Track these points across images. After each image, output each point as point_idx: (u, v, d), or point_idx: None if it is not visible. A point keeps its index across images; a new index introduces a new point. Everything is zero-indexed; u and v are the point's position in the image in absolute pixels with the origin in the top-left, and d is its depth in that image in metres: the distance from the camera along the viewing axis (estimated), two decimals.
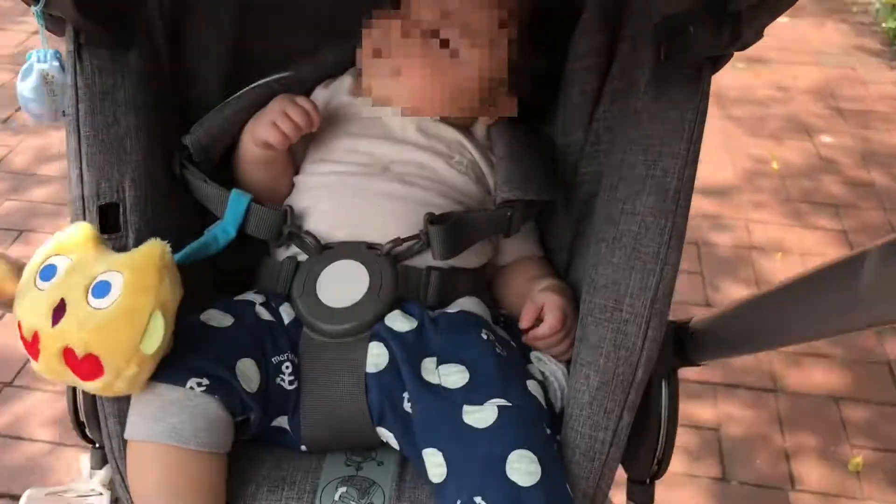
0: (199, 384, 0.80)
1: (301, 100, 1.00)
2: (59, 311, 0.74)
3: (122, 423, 0.85)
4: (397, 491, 0.85)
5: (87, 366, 0.74)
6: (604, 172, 0.96)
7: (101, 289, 0.74)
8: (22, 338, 0.78)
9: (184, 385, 0.80)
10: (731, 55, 0.85)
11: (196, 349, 0.83)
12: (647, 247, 0.85)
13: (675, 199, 0.84)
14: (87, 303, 0.74)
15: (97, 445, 0.98)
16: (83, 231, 0.80)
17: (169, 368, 0.80)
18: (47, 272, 0.77)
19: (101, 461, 0.99)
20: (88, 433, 0.95)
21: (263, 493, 0.85)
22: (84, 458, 1.01)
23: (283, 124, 0.98)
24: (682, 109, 0.85)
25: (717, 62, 0.85)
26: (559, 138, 1.10)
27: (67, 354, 0.74)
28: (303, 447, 0.89)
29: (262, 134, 1.00)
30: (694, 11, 0.81)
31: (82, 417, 0.94)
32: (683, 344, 0.94)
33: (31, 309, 0.76)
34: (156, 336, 0.75)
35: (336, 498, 0.84)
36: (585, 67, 1.04)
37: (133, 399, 0.82)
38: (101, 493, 0.98)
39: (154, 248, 0.78)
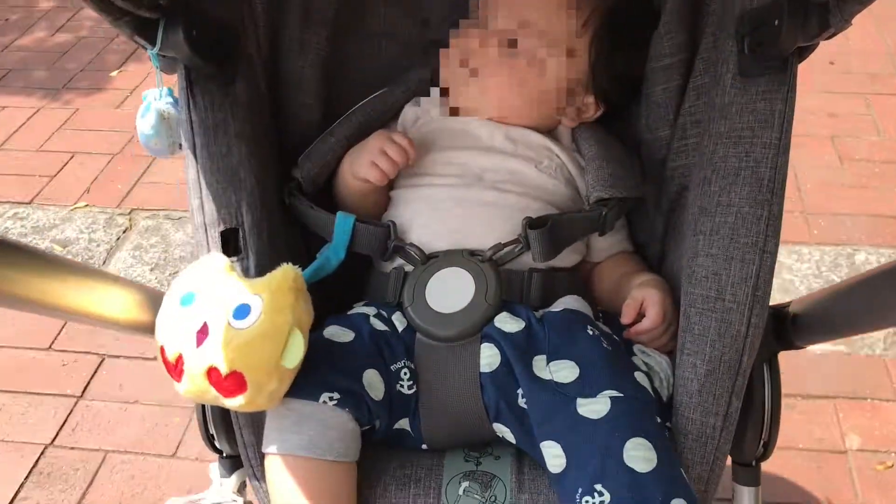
0: (332, 398, 0.85)
1: (398, 137, 1.05)
2: (202, 334, 0.80)
3: (255, 434, 0.91)
4: (517, 483, 0.89)
5: (231, 383, 0.79)
6: (695, 166, 0.98)
7: (242, 311, 0.80)
8: (165, 362, 0.83)
9: (317, 400, 0.85)
10: (818, 44, 0.86)
11: (325, 365, 0.87)
12: (745, 237, 0.87)
13: (770, 188, 0.87)
14: (230, 324, 0.79)
15: (224, 455, 1.04)
16: (218, 261, 0.86)
17: (301, 385, 0.84)
18: (187, 299, 0.83)
19: (229, 470, 1.05)
20: (217, 444, 1.02)
21: (392, 492, 0.90)
22: (213, 467, 1.08)
23: (382, 163, 1.04)
24: (770, 100, 0.88)
25: (804, 52, 0.87)
26: (645, 135, 1.12)
27: (212, 373, 0.79)
28: (424, 446, 0.94)
29: (362, 173, 1.05)
30: (778, 4, 0.83)
31: (212, 430, 1.00)
32: (784, 328, 0.96)
33: (175, 333, 0.82)
34: (296, 351, 0.80)
35: (460, 492, 0.89)
36: (668, 66, 1.06)
37: (269, 415, 0.88)
38: (234, 500, 1.04)
39: (288, 273, 0.83)
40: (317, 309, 0.99)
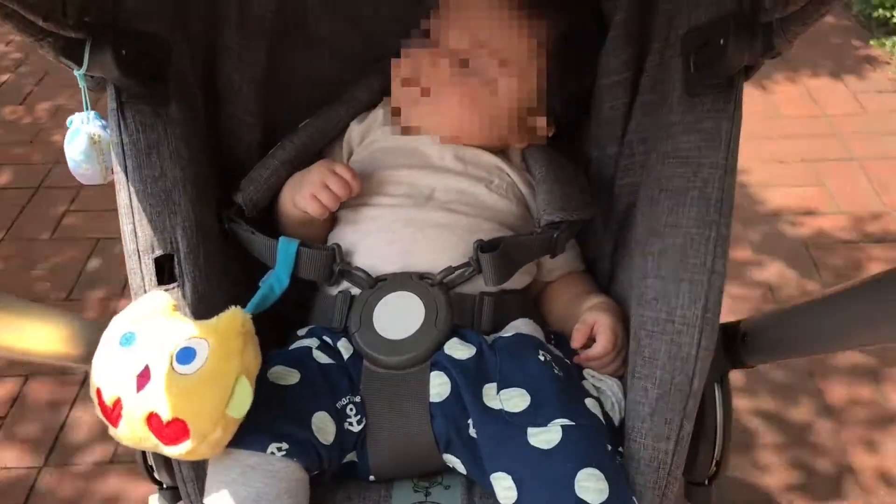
0: (280, 449, 0.81)
1: (340, 169, 1.01)
2: (143, 378, 0.76)
3: (195, 469, 0.87)
4: None
5: (173, 430, 0.75)
6: (642, 184, 0.97)
7: (186, 355, 0.76)
8: (101, 404, 0.79)
9: (264, 451, 0.80)
10: (763, 62, 0.86)
11: (271, 412, 0.83)
12: (694, 258, 0.86)
13: (718, 208, 0.86)
14: (173, 368, 0.75)
15: (165, 486, 1.00)
16: (160, 300, 0.82)
17: (247, 434, 0.80)
18: (127, 340, 0.78)
19: (169, 501, 1.02)
20: (157, 476, 0.98)
21: None
22: (153, 499, 1.04)
23: (324, 197, 1.00)
24: (716, 119, 0.87)
25: (749, 71, 0.86)
26: (594, 152, 1.11)
27: (152, 419, 0.75)
28: (371, 477, 0.91)
29: (303, 205, 1.01)
30: (723, 23, 0.82)
31: (150, 462, 0.96)
32: (735, 346, 0.95)
33: (114, 375, 0.77)
34: (243, 400, 0.76)
35: None
36: (615, 83, 1.05)
37: (211, 464, 0.83)
38: None
39: (236, 316, 0.79)
40: (261, 333, 0.96)
